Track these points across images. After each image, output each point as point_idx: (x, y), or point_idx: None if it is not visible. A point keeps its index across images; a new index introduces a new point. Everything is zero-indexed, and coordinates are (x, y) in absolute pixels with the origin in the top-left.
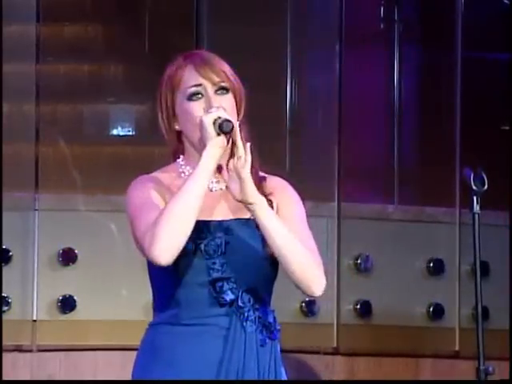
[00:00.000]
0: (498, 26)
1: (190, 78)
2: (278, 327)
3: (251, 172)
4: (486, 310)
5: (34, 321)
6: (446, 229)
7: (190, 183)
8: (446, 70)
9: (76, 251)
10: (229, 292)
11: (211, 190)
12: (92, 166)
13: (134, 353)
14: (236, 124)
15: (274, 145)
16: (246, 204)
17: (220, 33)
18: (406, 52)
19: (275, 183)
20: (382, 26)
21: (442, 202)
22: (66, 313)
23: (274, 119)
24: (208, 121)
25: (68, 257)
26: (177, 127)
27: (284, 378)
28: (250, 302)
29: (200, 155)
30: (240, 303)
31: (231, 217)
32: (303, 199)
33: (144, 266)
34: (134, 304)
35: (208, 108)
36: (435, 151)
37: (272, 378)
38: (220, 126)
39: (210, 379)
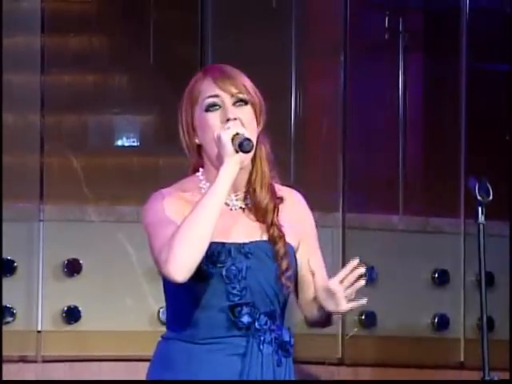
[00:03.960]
0: (502, 36)
1: (208, 89)
2: (292, 342)
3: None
4: (491, 321)
5: (39, 331)
6: (450, 239)
7: (206, 200)
8: (450, 80)
9: (81, 262)
10: (246, 316)
11: (231, 209)
12: (97, 177)
13: (139, 364)
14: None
15: (279, 155)
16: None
17: (225, 43)
18: (410, 62)
19: (292, 198)
20: (386, 36)
21: (446, 213)
22: (70, 323)
23: (279, 129)
24: (226, 137)
25: (73, 267)
26: (197, 141)
27: None
28: (266, 324)
29: (217, 170)
30: (257, 326)
31: (250, 238)
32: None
33: (149, 276)
34: (138, 315)
35: (224, 119)
36: (440, 162)
37: None
38: (240, 145)
39: None
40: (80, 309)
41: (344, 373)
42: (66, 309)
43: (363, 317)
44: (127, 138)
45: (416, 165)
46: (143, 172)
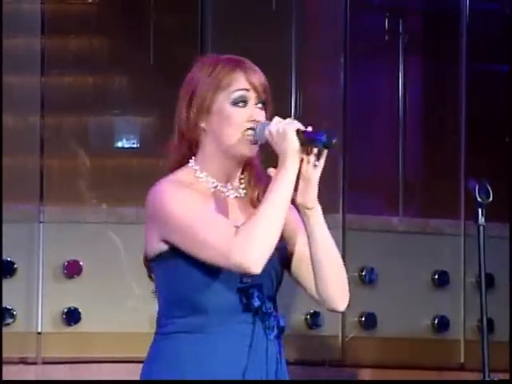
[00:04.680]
0: (503, 37)
1: (239, 80)
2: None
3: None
4: (491, 322)
5: (39, 333)
6: (450, 241)
7: (277, 194)
8: (450, 81)
9: (81, 263)
10: (256, 298)
11: (228, 197)
12: (97, 178)
13: (139, 365)
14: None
15: None
16: (304, 208)
17: (225, 45)
18: (410, 64)
19: None
20: (386, 37)
21: (446, 214)
22: (70, 325)
23: None
24: (291, 131)
25: (73, 269)
26: (203, 125)
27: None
28: (270, 308)
29: (222, 158)
30: (264, 310)
31: None
32: None
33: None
34: (139, 316)
35: (249, 118)
36: (440, 163)
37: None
38: (329, 140)
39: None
40: (80, 310)
41: (344, 374)
42: (66, 310)
43: (363, 318)
44: (127, 140)
45: (416, 166)
46: (143, 173)
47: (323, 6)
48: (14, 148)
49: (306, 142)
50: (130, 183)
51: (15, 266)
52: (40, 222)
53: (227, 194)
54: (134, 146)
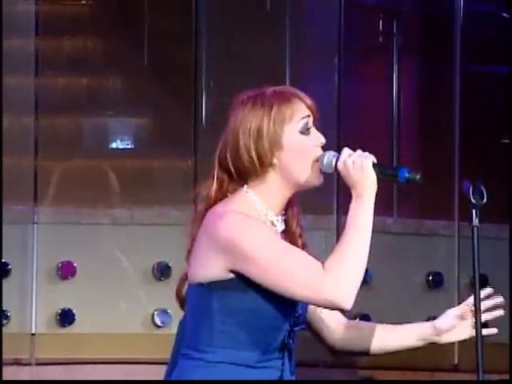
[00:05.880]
0: (497, 39)
1: (301, 109)
2: None
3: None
4: (484, 324)
5: (33, 334)
6: (445, 242)
7: (359, 227)
8: (445, 83)
9: (75, 264)
10: (292, 339)
11: (277, 230)
12: (91, 180)
13: (133, 366)
14: None
15: None
16: (425, 340)
17: (219, 47)
18: (404, 65)
19: None
20: (380, 39)
21: (441, 216)
22: (64, 326)
23: None
24: (369, 164)
25: (67, 270)
26: (275, 161)
27: None
28: (295, 345)
29: (285, 191)
30: (292, 347)
31: None
32: (302, 212)
33: (144, 279)
34: (133, 317)
35: (317, 142)
36: (434, 164)
37: None
38: (413, 176)
39: None
40: (74, 311)
41: (338, 375)
42: (60, 311)
43: (357, 319)
44: (121, 141)
45: (410, 167)
46: (137, 175)
47: (317, 7)
48: (8, 149)
49: (383, 175)
50: (124, 184)
51: (9, 267)
52: (34, 223)
53: (276, 227)
54: (128, 147)
